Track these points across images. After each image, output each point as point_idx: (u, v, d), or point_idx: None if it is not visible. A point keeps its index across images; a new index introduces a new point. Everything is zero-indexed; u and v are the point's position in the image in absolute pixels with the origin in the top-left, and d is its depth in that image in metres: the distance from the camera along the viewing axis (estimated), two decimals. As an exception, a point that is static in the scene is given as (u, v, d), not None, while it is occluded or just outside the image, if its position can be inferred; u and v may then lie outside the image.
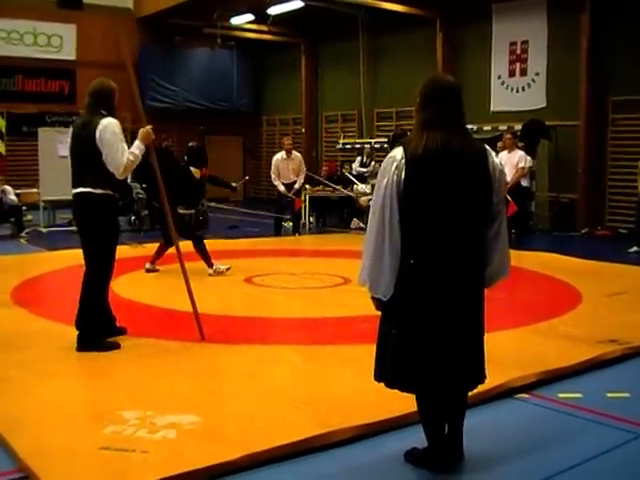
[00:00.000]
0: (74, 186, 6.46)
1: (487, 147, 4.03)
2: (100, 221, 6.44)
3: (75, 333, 6.50)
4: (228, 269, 10.46)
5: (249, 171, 27.57)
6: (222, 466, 4.07)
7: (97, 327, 6.51)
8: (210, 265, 10.42)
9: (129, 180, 16.53)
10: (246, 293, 9.30)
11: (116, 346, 6.49)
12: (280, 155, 15.43)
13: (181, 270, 6.92)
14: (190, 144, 11.22)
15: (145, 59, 24.95)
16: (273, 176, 15.40)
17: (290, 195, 15.21)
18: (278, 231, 15.70)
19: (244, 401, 5.12)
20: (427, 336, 3.89)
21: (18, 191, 16.40)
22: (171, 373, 5.83)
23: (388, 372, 4.00)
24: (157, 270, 10.51)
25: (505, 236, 4.10)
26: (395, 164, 3.86)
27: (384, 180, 3.87)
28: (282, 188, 15.21)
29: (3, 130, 22.63)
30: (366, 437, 4.56)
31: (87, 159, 6.37)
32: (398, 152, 3.91)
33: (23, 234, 15.57)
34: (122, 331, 6.91)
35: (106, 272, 6.57)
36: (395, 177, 3.83)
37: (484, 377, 4.17)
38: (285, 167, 15.31)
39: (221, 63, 26.34)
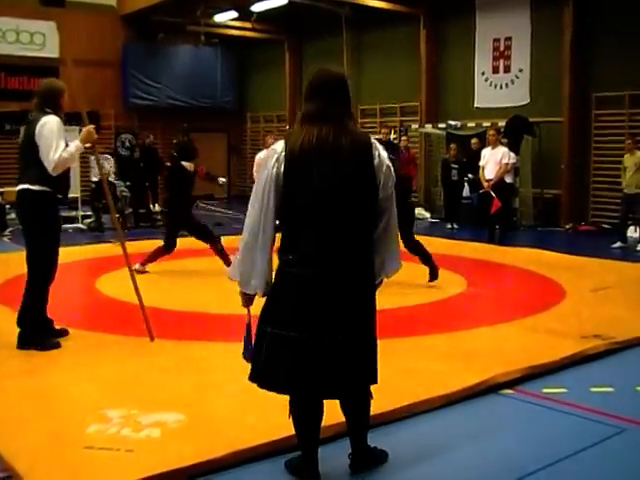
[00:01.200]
0: (17, 183, 6.51)
1: (374, 142, 3.87)
2: (38, 217, 6.41)
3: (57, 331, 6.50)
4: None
5: (234, 168, 27.58)
6: (207, 464, 4.07)
7: (39, 324, 6.49)
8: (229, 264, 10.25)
9: (113, 179, 16.52)
10: (229, 290, 9.26)
11: (57, 345, 6.46)
12: (263, 153, 14.85)
13: (135, 270, 6.91)
14: (176, 140, 11.22)
15: (128, 56, 24.92)
16: (255, 175, 15.01)
17: None
18: None
19: (228, 399, 5.11)
20: (308, 336, 3.73)
21: (1, 189, 16.30)
22: (155, 371, 5.82)
23: (261, 372, 3.86)
24: (146, 272, 10.38)
25: (393, 234, 4.00)
26: (275, 157, 3.76)
27: (264, 173, 3.78)
28: None
29: (-14, 128, 22.52)
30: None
31: (28, 156, 6.40)
32: (279, 145, 3.82)
33: (6, 232, 15.49)
34: (63, 332, 6.83)
35: (48, 270, 6.52)
36: (274, 170, 3.74)
37: (371, 380, 3.97)
38: None
39: (205, 60, 26.28)
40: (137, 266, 10.38)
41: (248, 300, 3.92)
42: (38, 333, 6.48)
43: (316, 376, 3.78)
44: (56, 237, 6.59)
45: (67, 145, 6.34)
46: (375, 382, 3.98)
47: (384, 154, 3.84)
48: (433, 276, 9.44)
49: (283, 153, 3.75)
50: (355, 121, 3.97)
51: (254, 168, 14.93)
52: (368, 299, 3.91)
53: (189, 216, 10.60)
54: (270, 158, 3.79)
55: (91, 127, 6.62)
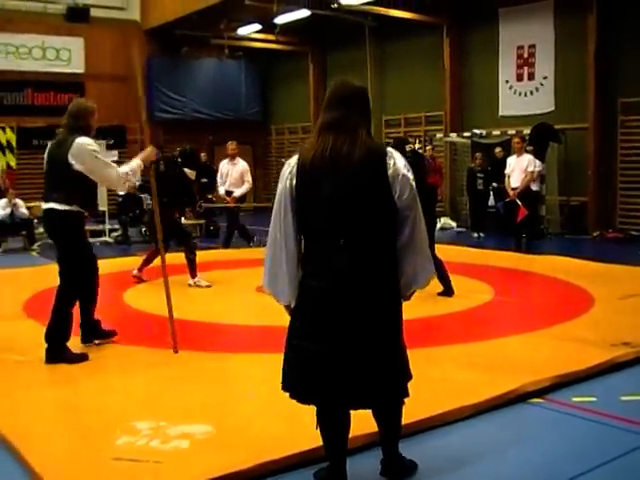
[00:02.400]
0: (45, 201, 6.61)
1: (390, 151, 3.83)
2: (67, 235, 6.57)
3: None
4: (208, 286, 10.41)
5: (259, 180, 27.65)
6: (235, 475, 4.06)
7: (66, 339, 6.54)
8: (194, 276, 10.47)
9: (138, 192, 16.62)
10: (257, 302, 9.28)
11: (84, 358, 6.50)
12: (226, 160, 14.44)
13: (164, 280, 6.98)
14: (181, 147, 11.34)
15: (153, 70, 25.11)
16: (219, 181, 14.37)
17: (227, 198, 14.09)
18: (227, 242, 14.47)
19: (256, 410, 5.11)
20: (321, 347, 3.75)
21: (29, 204, 16.45)
22: (183, 383, 5.83)
23: (289, 382, 3.90)
24: (144, 280, 10.54)
25: (421, 244, 3.91)
26: (289, 169, 3.83)
27: (280, 186, 3.85)
28: (222, 192, 14.22)
29: (14, 144, 22.75)
30: (378, 444, 4.54)
31: (58, 175, 6.49)
32: (294, 158, 3.87)
33: (34, 247, 15.63)
34: (111, 334, 7.07)
35: (78, 283, 6.65)
36: (288, 182, 3.81)
37: (400, 394, 3.95)
38: (226, 173, 14.24)
39: (229, 73, 26.43)
40: (135, 272, 10.54)
41: (289, 310, 3.97)
42: (66, 347, 6.52)
43: (331, 387, 3.78)
44: (88, 251, 6.76)
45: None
46: (402, 395, 3.95)
47: (400, 163, 3.79)
48: (446, 293, 9.26)
49: (296, 166, 3.81)
50: (370, 132, 3.92)
51: (218, 174, 14.46)
52: (387, 310, 3.86)
53: (174, 221, 10.65)
54: (285, 170, 3.85)
55: (151, 147, 6.84)
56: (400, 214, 3.79)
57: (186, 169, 10.79)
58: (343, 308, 3.74)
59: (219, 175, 14.35)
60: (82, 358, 6.48)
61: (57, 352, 6.44)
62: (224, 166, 14.34)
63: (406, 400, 4.00)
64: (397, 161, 3.78)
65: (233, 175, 14.14)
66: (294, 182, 3.78)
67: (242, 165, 14.28)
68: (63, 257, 6.59)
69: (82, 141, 6.41)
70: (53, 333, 6.50)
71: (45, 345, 6.46)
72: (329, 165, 3.73)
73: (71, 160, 6.36)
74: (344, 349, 3.74)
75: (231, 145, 14.43)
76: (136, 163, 6.66)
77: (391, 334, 3.86)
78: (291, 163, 3.85)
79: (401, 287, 3.92)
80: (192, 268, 10.41)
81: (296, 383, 3.86)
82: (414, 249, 3.87)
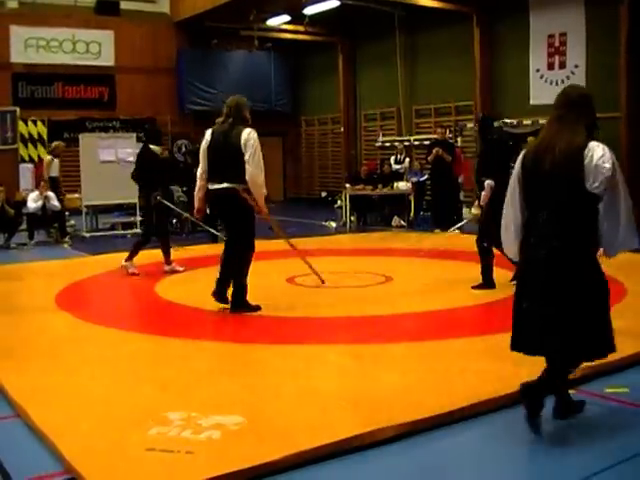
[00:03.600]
0: (219, 182, 7.75)
1: (592, 145, 4.51)
2: (247, 208, 7.77)
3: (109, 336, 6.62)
4: (184, 270, 10.78)
5: (289, 171, 27.68)
6: (267, 466, 4.07)
7: (246, 294, 7.86)
8: (169, 262, 10.72)
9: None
10: (288, 293, 9.30)
11: (258, 308, 7.86)
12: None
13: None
14: (145, 126, 11.37)
15: (183, 63, 25.21)
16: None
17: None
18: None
19: (288, 401, 5.12)
20: (532, 306, 4.56)
21: (60, 196, 16.55)
22: (215, 374, 5.87)
23: (519, 340, 4.72)
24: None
25: (617, 212, 4.54)
26: (522, 153, 4.79)
27: (515, 166, 4.81)
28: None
29: (45, 137, 22.92)
30: (410, 435, 4.54)
31: (234, 160, 7.66)
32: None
33: (66, 239, 15.73)
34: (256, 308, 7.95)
35: (251, 248, 7.88)
36: (519, 163, 4.77)
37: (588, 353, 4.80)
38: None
39: (259, 64, 26.41)
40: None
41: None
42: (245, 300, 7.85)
43: (533, 339, 4.64)
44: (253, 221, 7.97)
45: None
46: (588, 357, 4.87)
47: (597, 155, 4.48)
48: (482, 286, 9.02)
49: (525, 152, 4.78)
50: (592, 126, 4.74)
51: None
52: (585, 279, 4.55)
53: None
54: (520, 156, 4.81)
55: (266, 213, 8.15)
56: (596, 193, 4.48)
57: (153, 146, 10.78)
58: (549, 274, 4.51)
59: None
60: (257, 308, 7.87)
61: (240, 305, 7.80)
62: None
63: (438, 391, 4.09)
64: (595, 154, 4.50)
65: None
66: (522, 164, 4.72)
67: None
68: (243, 227, 7.81)
69: (250, 130, 7.78)
70: (238, 295, 7.84)
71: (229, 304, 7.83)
72: (543, 152, 4.60)
73: (242, 145, 7.62)
74: (549, 308, 4.51)
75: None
76: (261, 196, 7.82)
77: (585, 297, 4.56)
78: (525, 149, 4.82)
79: (605, 247, 4.70)
80: (167, 253, 10.81)
81: (523, 340, 4.70)
82: (612, 217, 4.56)
